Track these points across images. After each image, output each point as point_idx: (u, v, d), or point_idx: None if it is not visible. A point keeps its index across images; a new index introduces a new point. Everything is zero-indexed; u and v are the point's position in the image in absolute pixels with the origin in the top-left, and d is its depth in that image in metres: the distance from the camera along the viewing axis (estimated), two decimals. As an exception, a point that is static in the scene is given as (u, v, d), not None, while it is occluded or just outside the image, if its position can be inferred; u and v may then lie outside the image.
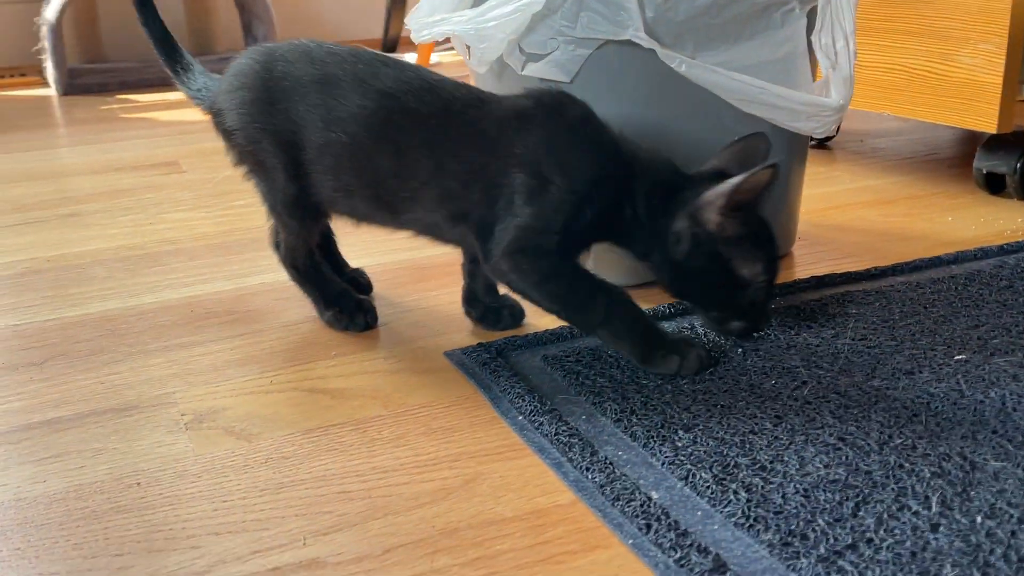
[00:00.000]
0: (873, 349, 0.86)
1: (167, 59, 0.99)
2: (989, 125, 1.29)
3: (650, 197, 0.84)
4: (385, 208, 0.89)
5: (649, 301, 0.97)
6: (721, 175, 0.85)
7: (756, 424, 0.74)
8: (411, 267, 1.15)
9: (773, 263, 0.86)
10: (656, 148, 0.88)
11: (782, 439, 0.71)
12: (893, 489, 0.64)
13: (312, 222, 0.95)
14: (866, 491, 0.64)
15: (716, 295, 0.86)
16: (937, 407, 0.75)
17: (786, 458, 0.69)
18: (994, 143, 1.35)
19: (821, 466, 0.68)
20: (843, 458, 0.68)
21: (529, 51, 1.01)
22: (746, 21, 1.00)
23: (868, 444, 0.70)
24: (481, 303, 0.96)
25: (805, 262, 1.14)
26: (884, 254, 1.15)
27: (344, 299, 0.98)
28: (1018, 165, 1.32)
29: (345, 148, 0.87)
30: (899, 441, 0.70)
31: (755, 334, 0.89)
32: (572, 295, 0.83)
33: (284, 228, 0.96)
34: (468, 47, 1.03)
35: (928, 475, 0.66)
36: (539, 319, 0.96)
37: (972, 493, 0.64)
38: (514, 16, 0.98)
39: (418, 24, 1.09)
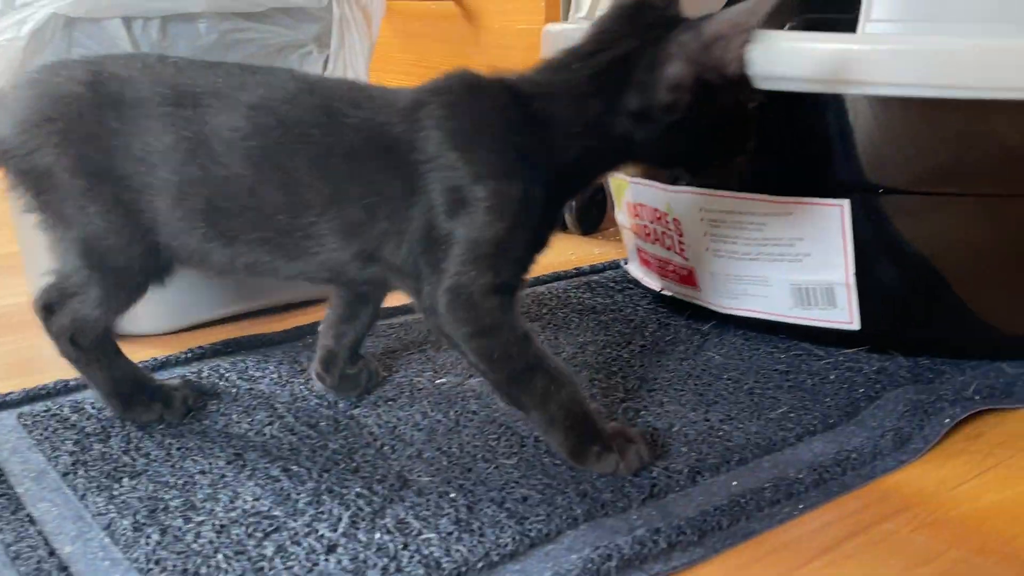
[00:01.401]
0: (367, 379, 0.87)
1: None
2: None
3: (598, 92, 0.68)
4: (278, 253, 0.72)
5: (169, 346, 0.94)
6: (639, 6, 0.70)
7: (210, 464, 0.72)
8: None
9: None
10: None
11: (227, 476, 0.70)
12: (311, 515, 0.64)
13: (141, 292, 0.76)
14: (283, 520, 0.64)
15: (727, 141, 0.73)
16: (400, 430, 0.77)
17: (220, 496, 0.67)
18: (553, 183, 1.45)
19: (251, 499, 0.67)
20: (277, 489, 0.68)
21: (28, 90, 0.95)
22: (261, 62, 1.01)
23: (311, 473, 0.70)
24: (339, 369, 0.83)
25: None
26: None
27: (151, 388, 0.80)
28: (572, 204, 1.43)
29: (219, 184, 0.70)
30: (343, 466, 0.71)
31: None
32: (507, 360, 0.69)
33: (91, 296, 0.74)
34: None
35: (353, 496, 0.67)
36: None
37: (388, 511, 0.65)
38: (-3, 53, 0.92)
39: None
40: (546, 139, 0.69)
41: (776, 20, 1.37)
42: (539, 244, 0.72)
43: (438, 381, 0.87)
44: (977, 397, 0.82)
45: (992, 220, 0.85)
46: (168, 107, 0.70)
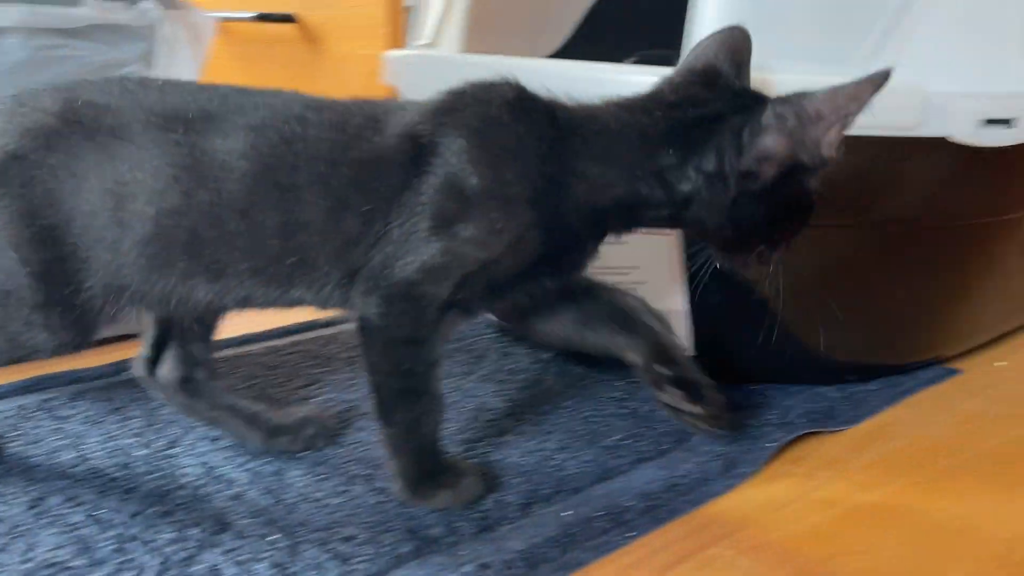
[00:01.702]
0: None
1: None
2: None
3: (668, 146, 0.66)
4: (272, 282, 0.65)
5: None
6: (714, 72, 0.68)
7: (6, 511, 0.66)
8: None
9: None
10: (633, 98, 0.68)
11: (25, 524, 0.64)
12: (115, 565, 0.60)
13: (48, 357, 0.67)
14: (83, 571, 0.59)
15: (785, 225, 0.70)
16: (221, 470, 0.73)
17: (14, 545, 0.62)
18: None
19: (51, 547, 0.61)
20: (79, 537, 0.63)
21: None
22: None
23: (119, 518, 0.65)
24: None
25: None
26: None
27: None
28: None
29: (205, 211, 0.63)
30: (155, 511, 0.66)
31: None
32: (411, 376, 0.66)
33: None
34: None
35: (163, 543, 0.62)
36: None
37: (202, 557, 0.61)
38: None
39: None
40: (586, 177, 0.66)
41: (618, 54, 1.40)
42: (533, 280, 0.68)
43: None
44: (801, 421, 0.84)
45: (811, 249, 0.88)
46: (152, 133, 0.64)
